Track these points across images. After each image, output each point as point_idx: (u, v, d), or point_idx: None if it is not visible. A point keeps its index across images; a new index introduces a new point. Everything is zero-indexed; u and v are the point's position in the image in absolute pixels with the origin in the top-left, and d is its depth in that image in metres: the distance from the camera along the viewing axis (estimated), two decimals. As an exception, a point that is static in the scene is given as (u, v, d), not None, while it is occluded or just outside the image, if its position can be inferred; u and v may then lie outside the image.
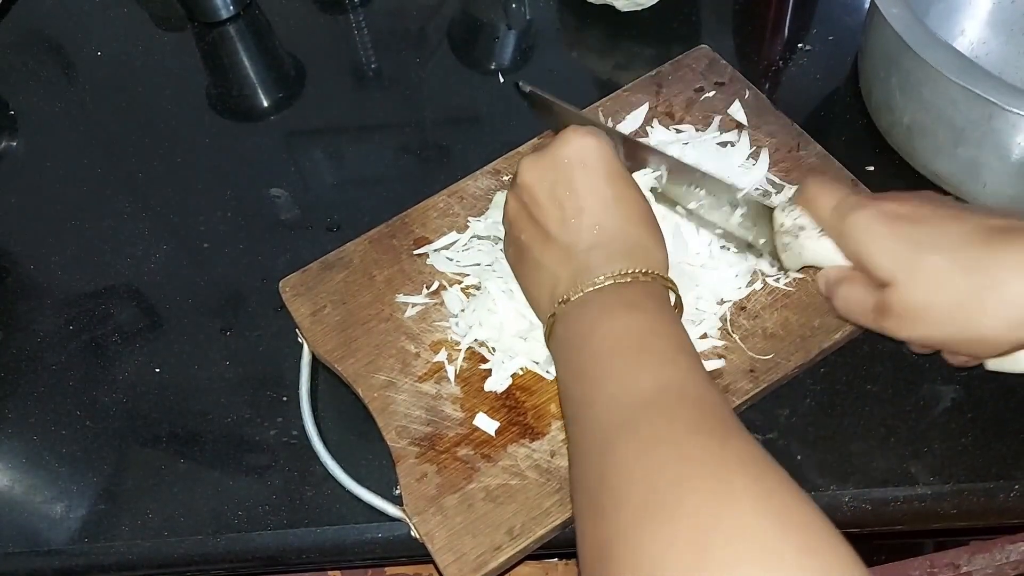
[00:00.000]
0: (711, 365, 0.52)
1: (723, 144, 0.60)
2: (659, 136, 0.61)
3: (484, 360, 0.54)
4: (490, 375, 0.53)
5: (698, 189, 0.53)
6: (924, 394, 0.53)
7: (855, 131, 0.64)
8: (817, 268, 0.51)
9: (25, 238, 0.65)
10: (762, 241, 0.52)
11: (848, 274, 0.48)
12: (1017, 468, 0.51)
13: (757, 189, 0.58)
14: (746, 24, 0.73)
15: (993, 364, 0.47)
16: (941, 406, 0.53)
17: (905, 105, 0.58)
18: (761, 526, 0.33)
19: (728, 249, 0.55)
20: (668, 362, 0.42)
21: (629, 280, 0.45)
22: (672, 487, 0.35)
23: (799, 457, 0.51)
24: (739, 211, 0.52)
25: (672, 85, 0.64)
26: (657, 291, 0.46)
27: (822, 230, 0.48)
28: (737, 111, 0.62)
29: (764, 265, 0.55)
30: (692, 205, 0.54)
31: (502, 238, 0.54)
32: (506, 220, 0.52)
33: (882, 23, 0.56)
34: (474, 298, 0.55)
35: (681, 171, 0.53)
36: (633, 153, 0.54)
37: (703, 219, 0.54)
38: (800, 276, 0.55)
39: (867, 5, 0.70)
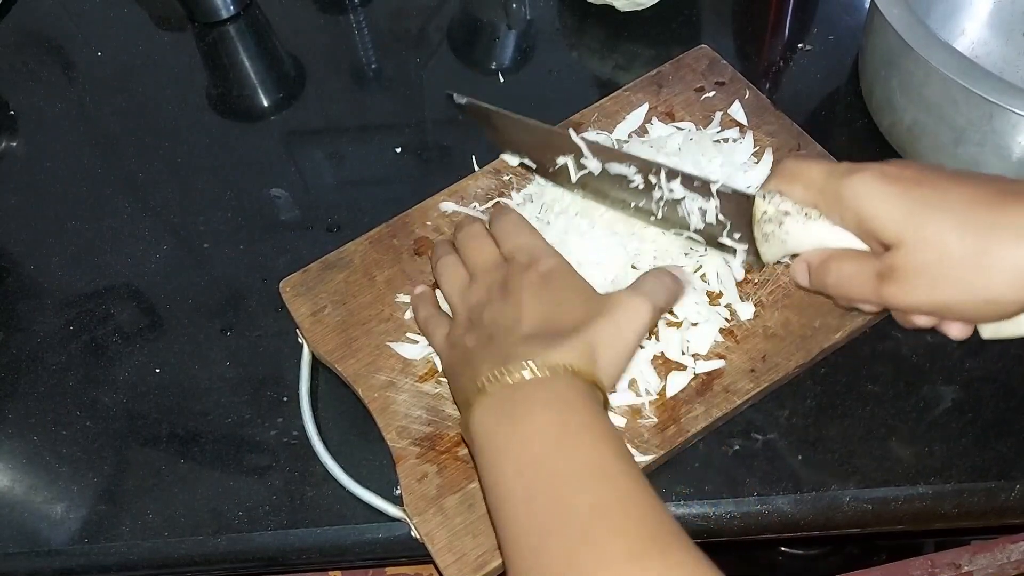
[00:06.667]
0: (711, 365, 0.52)
1: (723, 140, 0.60)
2: (658, 131, 0.61)
3: (484, 360, 0.54)
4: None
5: (669, 184, 0.51)
6: (925, 394, 0.53)
7: (855, 131, 0.65)
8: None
9: (25, 238, 0.65)
10: (737, 236, 0.50)
11: (833, 252, 0.46)
12: (1017, 468, 0.51)
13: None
14: (746, 24, 0.73)
15: (989, 331, 0.45)
16: (942, 406, 0.53)
17: (906, 105, 0.58)
18: None
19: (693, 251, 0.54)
20: (600, 476, 0.41)
21: (561, 372, 0.44)
22: None
23: (800, 457, 0.51)
24: (713, 205, 0.50)
25: (672, 85, 0.64)
26: (583, 387, 0.45)
27: (807, 213, 0.46)
28: (737, 111, 0.62)
29: (735, 262, 0.53)
30: (653, 207, 0.53)
31: None
32: (460, 301, 0.51)
33: (883, 24, 0.56)
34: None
35: (650, 168, 0.52)
36: (602, 156, 0.53)
37: (667, 220, 0.53)
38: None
39: (867, 5, 0.70)
